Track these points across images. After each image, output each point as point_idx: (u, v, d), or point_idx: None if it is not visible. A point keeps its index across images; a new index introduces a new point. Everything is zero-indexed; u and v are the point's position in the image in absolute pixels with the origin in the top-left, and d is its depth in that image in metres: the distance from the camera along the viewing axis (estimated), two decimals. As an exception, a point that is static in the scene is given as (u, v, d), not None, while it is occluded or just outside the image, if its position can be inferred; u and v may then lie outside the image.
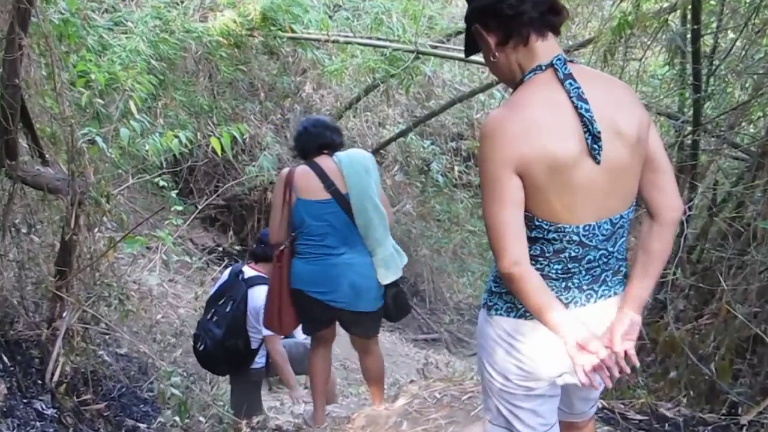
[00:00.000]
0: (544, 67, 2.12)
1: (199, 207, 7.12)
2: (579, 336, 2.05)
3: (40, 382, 3.82)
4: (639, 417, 3.99)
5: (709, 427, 3.84)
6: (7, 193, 4.07)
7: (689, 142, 4.88)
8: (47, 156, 4.32)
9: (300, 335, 5.62)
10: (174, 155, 6.04)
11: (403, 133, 11.09)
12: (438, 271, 14.80)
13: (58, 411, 3.73)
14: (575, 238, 2.15)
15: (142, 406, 4.52)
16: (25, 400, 3.62)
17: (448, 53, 9.32)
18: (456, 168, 12.80)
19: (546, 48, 2.14)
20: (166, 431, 4.04)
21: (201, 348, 5.02)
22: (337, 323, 4.53)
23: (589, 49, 6.34)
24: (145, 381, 4.82)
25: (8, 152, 3.92)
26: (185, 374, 5.13)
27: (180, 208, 6.04)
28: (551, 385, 2.35)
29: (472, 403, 4.33)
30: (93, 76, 4.90)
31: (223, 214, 12.69)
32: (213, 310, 5.10)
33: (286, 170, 4.37)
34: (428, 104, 12.31)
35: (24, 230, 4.24)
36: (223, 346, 4.96)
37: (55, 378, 3.86)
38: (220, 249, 11.85)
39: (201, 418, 4.10)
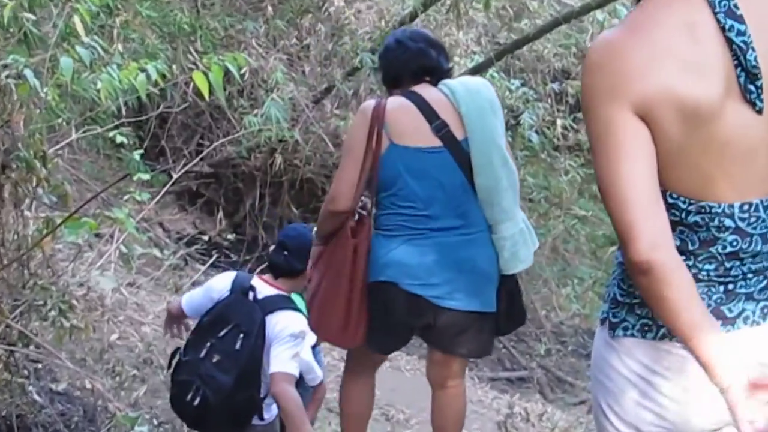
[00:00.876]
0: None
1: (175, 175, 7.20)
2: (749, 373, 1.92)
3: (-56, 429, 3.89)
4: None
5: None
6: None
7: None
8: (-43, 98, 4.39)
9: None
10: (138, 98, 6.09)
11: (480, 68, 11.06)
12: (529, 277, 14.70)
13: (-30, 472, 3.80)
14: (729, 222, 2.12)
15: (88, 468, 4.59)
16: None
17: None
18: (559, 122, 12.75)
19: None
20: (125, 506, 4.09)
21: (196, 402, 4.88)
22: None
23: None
24: (94, 431, 4.88)
25: None
26: (154, 422, 5.18)
27: (146, 176, 6.10)
28: None
29: (581, 472, 4.36)
30: (20, -20, 4.96)
31: (209, 186, 12.79)
32: (209, 344, 4.77)
33: (370, 102, 4.36)
34: (518, 26, 12.28)
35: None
36: (234, 399, 4.67)
37: (-34, 424, 3.93)
38: (205, 239, 11.94)
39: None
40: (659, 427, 2.25)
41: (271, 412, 4.98)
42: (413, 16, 10.63)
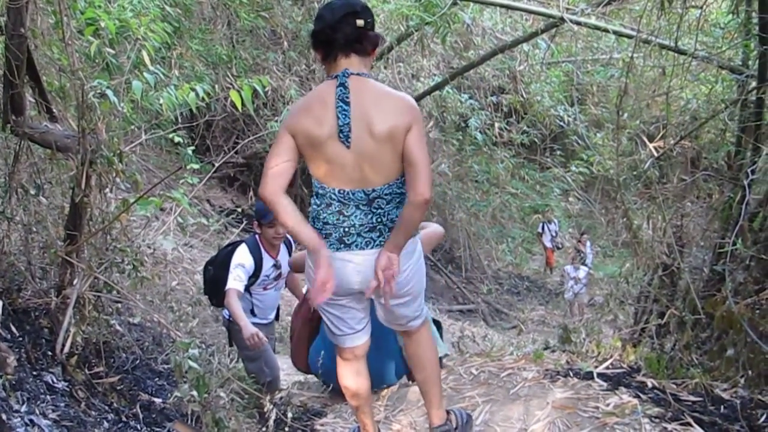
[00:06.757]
0: (335, 76, 3.18)
1: (217, 165, 7.15)
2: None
3: (50, 353, 3.87)
4: (692, 398, 3.95)
5: (770, 411, 3.80)
6: (13, 152, 4.12)
7: (753, 98, 4.80)
8: (55, 111, 4.35)
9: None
10: (190, 110, 6.06)
11: (438, 86, 11.00)
12: (475, 237, 14.77)
13: (70, 384, 3.77)
14: (334, 197, 3.21)
15: (156, 379, 4.59)
16: (35, 373, 3.66)
17: (489, -2, 9.20)
18: (496, 124, 12.72)
19: (346, 64, 3.20)
20: (183, 407, 4.08)
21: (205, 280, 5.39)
22: None
23: (645, -6, 6.23)
24: (160, 353, 4.88)
25: (14, 107, 3.96)
26: (203, 346, 5.19)
27: (196, 166, 6.07)
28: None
29: (512, 380, 4.34)
30: (102, 24, 4.90)
31: (242, 173, 12.74)
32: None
33: None
34: (466, 55, 12.20)
35: (31, 191, 4.28)
36: (213, 279, 5.15)
37: (66, 349, 3.91)
38: (239, 210, 11.91)
39: (221, 393, 4.14)
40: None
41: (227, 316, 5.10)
42: (390, 49, 10.58)
